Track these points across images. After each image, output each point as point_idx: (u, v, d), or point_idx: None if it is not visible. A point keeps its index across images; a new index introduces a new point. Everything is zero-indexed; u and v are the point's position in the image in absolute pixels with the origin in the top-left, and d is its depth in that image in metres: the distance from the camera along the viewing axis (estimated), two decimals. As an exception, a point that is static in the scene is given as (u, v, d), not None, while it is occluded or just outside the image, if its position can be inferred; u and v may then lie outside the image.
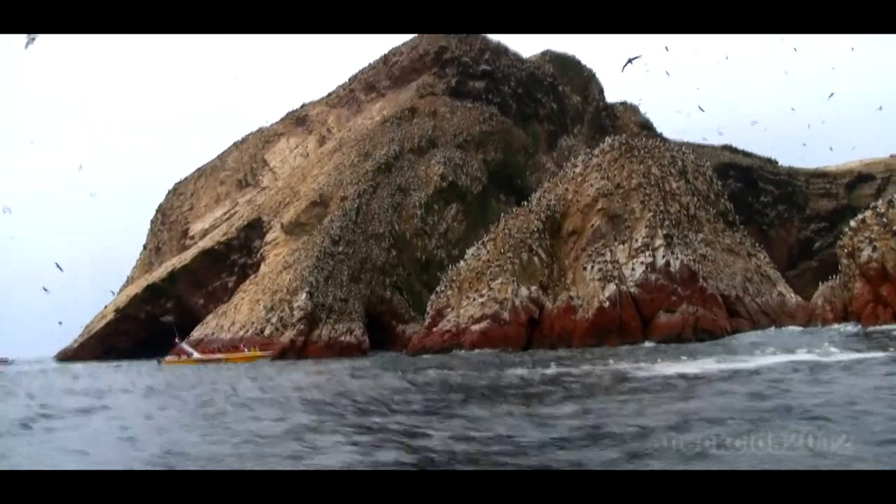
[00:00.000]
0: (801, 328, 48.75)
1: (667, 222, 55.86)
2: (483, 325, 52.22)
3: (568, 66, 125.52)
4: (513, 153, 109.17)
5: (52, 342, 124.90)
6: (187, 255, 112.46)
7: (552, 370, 26.33)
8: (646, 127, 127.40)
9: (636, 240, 55.62)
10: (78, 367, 71.59)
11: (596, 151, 63.97)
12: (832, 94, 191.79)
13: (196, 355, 67.45)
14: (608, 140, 64.57)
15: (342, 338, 76.40)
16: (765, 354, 27.28)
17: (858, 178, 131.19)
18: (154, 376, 43.56)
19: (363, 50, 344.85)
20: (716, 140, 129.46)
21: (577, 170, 62.52)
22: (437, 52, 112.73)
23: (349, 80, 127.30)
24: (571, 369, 26.09)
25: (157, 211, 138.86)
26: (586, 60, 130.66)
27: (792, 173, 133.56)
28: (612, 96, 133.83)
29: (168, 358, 69.65)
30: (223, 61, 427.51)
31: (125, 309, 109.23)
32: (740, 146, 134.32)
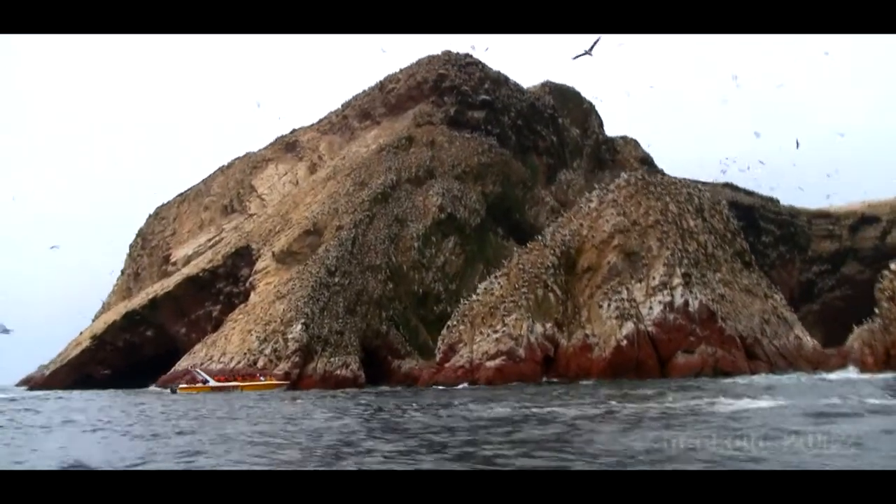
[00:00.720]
0: (829, 374, 49.35)
1: (685, 261, 57.02)
2: (498, 361, 52.89)
3: (568, 98, 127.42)
4: (511, 186, 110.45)
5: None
6: (170, 282, 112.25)
7: (660, 403, 26.50)
8: (646, 162, 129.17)
9: (654, 278, 56.67)
10: (75, 394, 71.21)
11: (611, 186, 65.22)
12: (842, 135, 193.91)
13: (212, 383, 67.88)
14: (623, 175, 65.97)
15: (338, 371, 76.77)
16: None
17: (862, 220, 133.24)
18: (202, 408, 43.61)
19: (356, 76, 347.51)
20: (712, 176, 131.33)
21: (592, 205, 63.70)
22: (436, 80, 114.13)
23: (342, 106, 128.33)
24: (674, 403, 26.19)
25: (138, 235, 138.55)
26: (586, 92, 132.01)
27: (793, 213, 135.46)
28: (611, 129, 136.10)
29: (183, 386, 69.76)
30: (209, 81, 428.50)
31: (102, 336, 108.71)
32: (741, 184, 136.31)
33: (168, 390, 70.30)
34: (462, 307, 61.07)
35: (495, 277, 61.60)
